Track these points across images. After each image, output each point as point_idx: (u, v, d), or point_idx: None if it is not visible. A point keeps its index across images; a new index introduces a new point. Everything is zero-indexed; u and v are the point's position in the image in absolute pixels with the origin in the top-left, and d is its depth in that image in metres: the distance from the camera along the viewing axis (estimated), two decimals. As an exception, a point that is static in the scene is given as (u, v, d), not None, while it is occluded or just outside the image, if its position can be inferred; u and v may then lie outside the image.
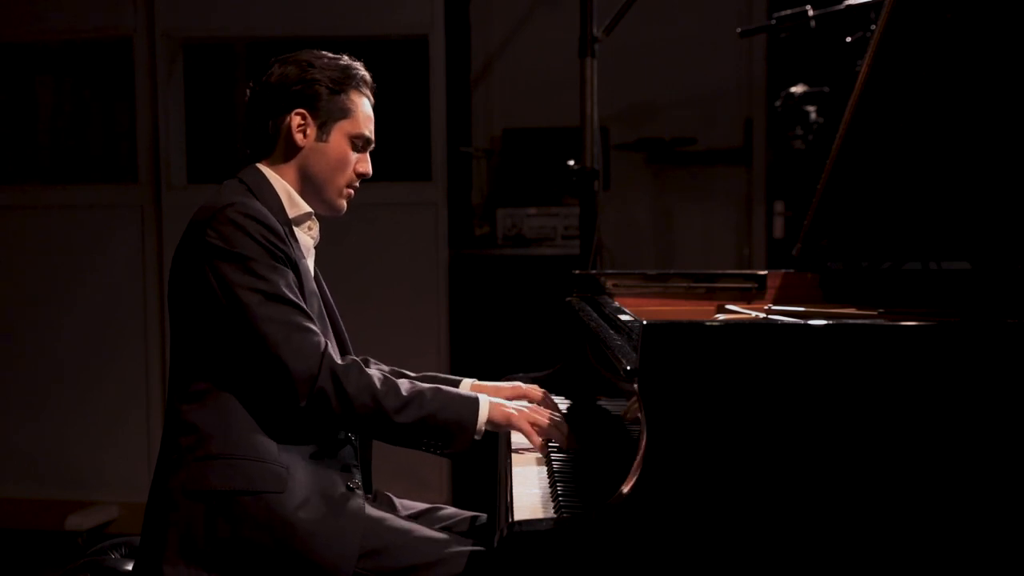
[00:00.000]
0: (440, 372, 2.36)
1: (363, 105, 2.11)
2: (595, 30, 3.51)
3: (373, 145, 2.14)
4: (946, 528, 1.56)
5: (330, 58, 2.11)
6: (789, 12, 3.52)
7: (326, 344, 1.94)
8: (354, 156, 2.10)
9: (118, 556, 2.11)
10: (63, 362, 4.59)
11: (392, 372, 2.29)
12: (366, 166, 2.13)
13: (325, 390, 1.90)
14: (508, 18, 4.93)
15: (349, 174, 2.10)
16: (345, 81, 2.08)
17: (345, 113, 2.08)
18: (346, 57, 2.13)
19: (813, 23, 3.44)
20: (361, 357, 2.32)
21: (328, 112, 2.06)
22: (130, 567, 2.06)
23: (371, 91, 2.14)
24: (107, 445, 4.56)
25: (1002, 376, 1.55)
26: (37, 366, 4.61)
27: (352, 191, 2.14)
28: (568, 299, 2.65)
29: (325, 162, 2.08)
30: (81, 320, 4.58)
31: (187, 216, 2.03)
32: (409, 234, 4.41)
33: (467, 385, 2.29)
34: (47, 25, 4.60)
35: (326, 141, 2.07)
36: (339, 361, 1.94)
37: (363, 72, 2.12)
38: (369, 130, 2.12)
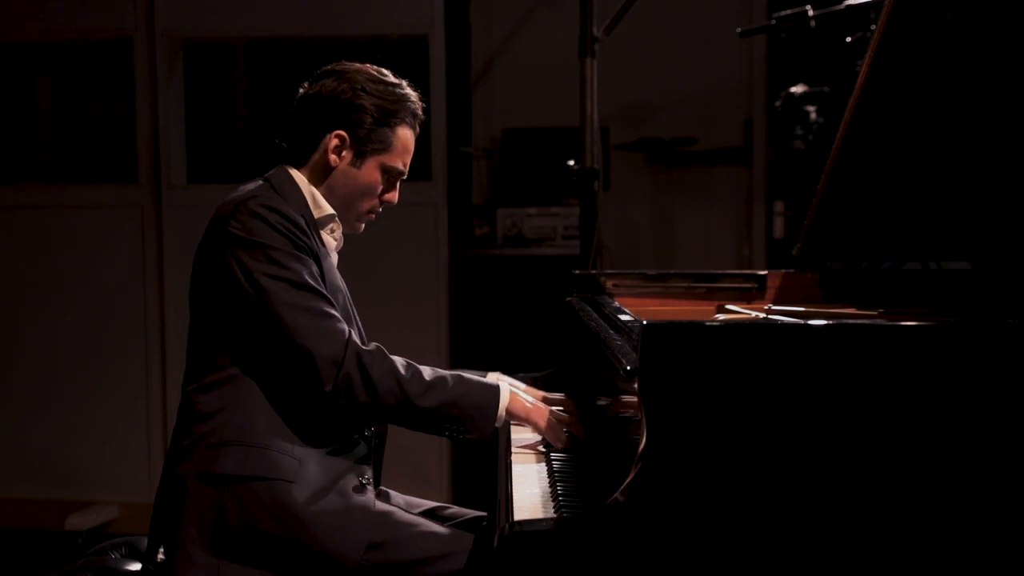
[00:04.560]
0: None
1: (405, 139, 2.10)
2: (595, 30, 3.51)
3: (405, 175, 2.15)
4: (946, 528, 1.56)
5: (387, 84, 2.09)
6: (789, 12, 3.52)
7: (350, 331, 1.96)
8: (383, 186, 2.11)
9: (118, 556, 2.11)
10: (63, 362, 4.59)
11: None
12: (393, 195, 2.14)
13: (351, 375, 1.92)
14: (508, 18, 4.93)
15: (373, 201, 2.12)
16: (393, 114, 2.07)
17: (385, 147, 2.08)
18: (404, 84, 2.12)
19: (813, 23, 3.44)
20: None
21: (367, 141, 2.07)
22: (130, 567, 2.06)
23: (419, 123, 2.13)
24: (107, 445, 4.56)
25: (1002, 376, 1.56)
26: (37, 366, 4.61)
27: (373, 215, 2.15)
28: (568, 299, 2.65)
29: (353, 187, 2.09)
30: (81, 320, 4.58)
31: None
32: (409, 234, 4.41)
33: (492, 380, 2.30)
34: (47, 25, 4.60)
35: (359, 168, 2.08)
36: (364, 347, 1.95)
37: (415, 105, 2.11)
38: (404, 163, 2.12)
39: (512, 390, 2.07)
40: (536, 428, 2.09)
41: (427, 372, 1.99)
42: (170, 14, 4.48)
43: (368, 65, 2.12)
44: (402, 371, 1.95)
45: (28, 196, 4.77)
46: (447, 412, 1.98)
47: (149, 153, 4.53)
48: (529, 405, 2.07)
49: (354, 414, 1.99)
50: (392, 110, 2.08)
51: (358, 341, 1.96)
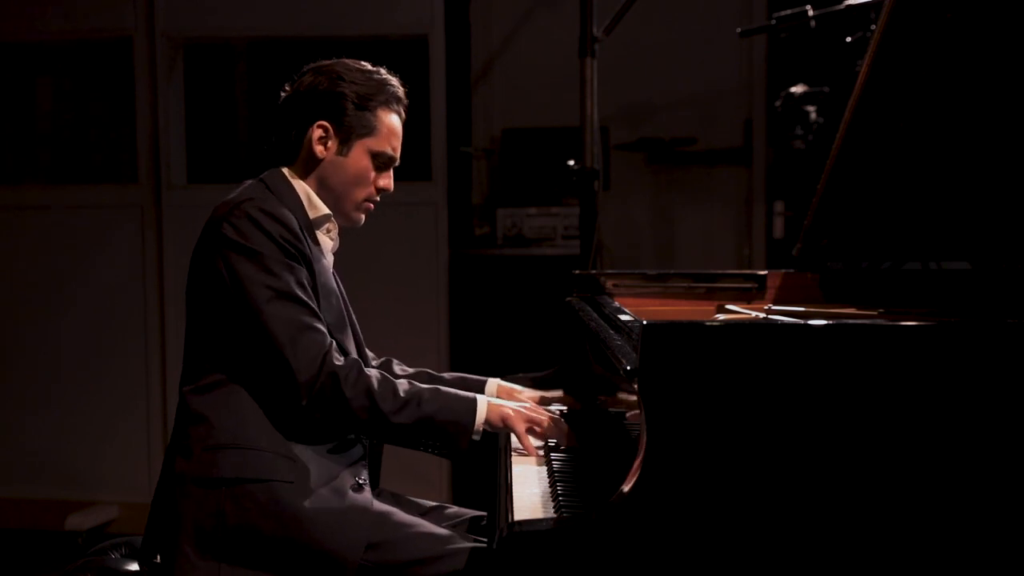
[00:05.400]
0: (439, 372, 2.36)
1: (390, 122, 2.10)
2: (595, 30, 3.51)
3: (397, 162, 2.14)
4: (946, 528, 1.56)
5: (363, 71, 2.10)
6: (789, 12, 3.52)
7: (330, 344, 1.96)
8: (375, 172, 2.11)
9: (118, 556, 2.11)
10: (63, 362, 4.59)
11: (418, 374, 2.30)
12: (388, 182, 2.14)
13: (324, 390, 1.92)
14: (508, 18, 4.93)
15: (368, 189, 2.11)
16: (373, 97, 2.08)
17: (369, 130, 2.08)
18: (383, 71, 2.13)
19: (813, 23, 3.45)
20: (384, 358, 2.33)
21: (351, 127, 2.07)
22: (130, 567, 2.06)
23: (403, 108, 2.13)
24: (107, 445, 4.56)
25: (1002, 376, 1.56)
26: (37, 366, 4.61)
27: (372, 205, 2.15)
28: (568, 299, 2.65)
29: (344, 176, 2.09)
30: (81, 320, 4.58)
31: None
32: (409, 234, 4.41)
33: (492, 386, 2.30)
34: (47, 25, 4.60)
35: (346, 156, 2.08)
36: (339, 362, 1.94)
37: (396, 88, 2.12)
38: (393, 147, 2.11)
39: (490, 401, 2.04)
40: (515, 435, 2.07)
41: (403, 388, 1.97)
42: (170, 14, 4.48)
43: (344, 59, 2.13)
44: (376, 387, 1.94)
45: (28, 196, 4.77)
46: (422, 428, 1.97)
47: (149, 153, 4.52)
48: (509, 412, 2.04)
49: (330, 427, 1.99)
50: (371, 94, 2.08)
51: (336, 354, 1.95)
